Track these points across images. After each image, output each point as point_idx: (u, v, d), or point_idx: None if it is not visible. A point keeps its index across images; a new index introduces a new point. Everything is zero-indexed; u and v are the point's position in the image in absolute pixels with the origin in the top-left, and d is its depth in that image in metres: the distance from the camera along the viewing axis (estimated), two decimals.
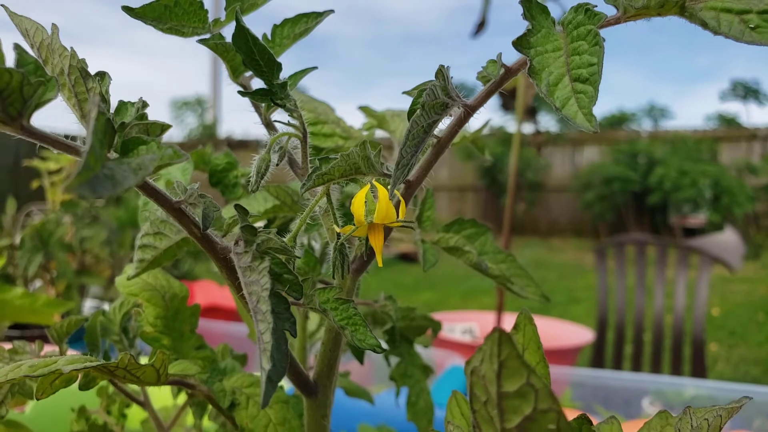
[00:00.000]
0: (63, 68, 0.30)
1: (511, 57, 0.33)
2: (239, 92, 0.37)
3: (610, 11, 0.30)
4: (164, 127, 0.29)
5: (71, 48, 0.30)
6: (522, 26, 0.31)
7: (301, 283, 0.31)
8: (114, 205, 1.98)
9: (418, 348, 0.55)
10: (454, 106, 0.33)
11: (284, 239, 0.31)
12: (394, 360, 0.52)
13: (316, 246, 0.52)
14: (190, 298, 0.49)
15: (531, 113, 8.78)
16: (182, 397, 0.52)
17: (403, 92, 0.35)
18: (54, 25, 0.31)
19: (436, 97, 0.31)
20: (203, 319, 0.50)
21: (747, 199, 7.33)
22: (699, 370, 1.84)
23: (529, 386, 0.20)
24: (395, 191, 0.34)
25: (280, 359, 0.25)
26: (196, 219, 0.31)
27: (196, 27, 0.37)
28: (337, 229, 0.35)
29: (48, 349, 0.50)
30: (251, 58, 0.33)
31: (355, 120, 0.53)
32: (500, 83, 0.33)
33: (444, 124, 0.34)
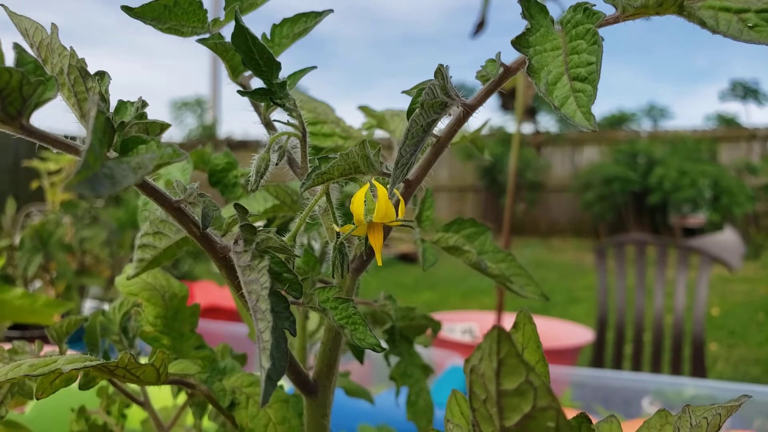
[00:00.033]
0: (62, 68, 0.30)
1: (511, 57, 0.33)
2: (239, 92, 0.37)
3: (609, 10, 0.31)
4: (164, 127, 0.29)
5: (71, 47, 0.30)
6: (521, 26, 0.31)
7: (301, 282, 0.31)
8: (114, 205, 1.98)
9: (418, 348, 0.55)
10: (453, 106, 0.33)
11: (284, 238, 0.31)
12: (393, 360, 0.52)
13: (316, 246, 0.52)
14: (190, 298, 0.49)
15: (530, 113, 8.78)
16: (182, 397, 0.52)
17: (403, 91, 0.35)
18: (53, 25, 0.31)
19: (435, 96, 0.31)
20: (203, 319, 0.50)
21: (747, 199, 7.33)
22: (699, 370, 1.84)
23: (528, 384, 0.20)
24: (395, 190, 0.34)
25: (280, 358, 0.25)
26: (196, 218, 0.31)
27: (196, 27, 0.37)
28: (337, 229, 0.35)
29: (48, 349, 0.50)
30: (250, 58, 0.33)
31: (355, 120, 0.53)
32: (499, 82, 0.33)
33: (443, 123, 0.34)
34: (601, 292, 2.02)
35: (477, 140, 0.51)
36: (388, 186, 0.33)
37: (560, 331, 1.61)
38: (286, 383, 0.57)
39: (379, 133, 0.54)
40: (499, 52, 0.32)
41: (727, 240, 2.73)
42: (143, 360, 0.38)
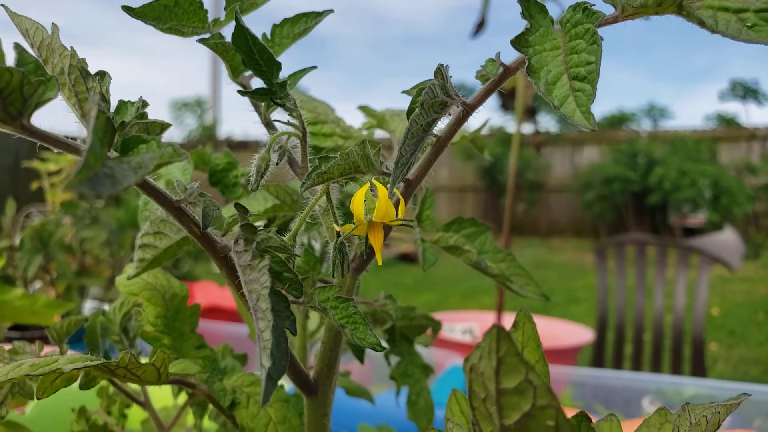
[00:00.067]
0: (63, 68, 0.30)
1: (511, 57, 0.33)
2: (239, 91, 0.37)
3: (608, 10, 0.31)
4: (164, 126, 0.29)
5: (71, 47, 0.30)
6: (521, 26, 0.31)
7: (301, 282, 0.31)
8: (114, 205, 1.98)
9: (418, 348, 0.55)
10: (453, 105, 0.33)
11: (284, 238, 0.31)
12: (394, 359, 0.53)
13: (316, 245, 0.52)
14: (191, 298, 0.49)
15: (530, 113, 8.79)
16: (182, 397, 0.52)
17: (403, 91, 0.35)
18: (54, 25, 0.31)
19: (435, 96, 0.31)
20: (203, 319, 0.50)
21: (746, 199, 7.33)
22: (699, 370, 1.84)
23: (528, 383, 0.20)
24: (395, 190, 0.34)
25: (280, 357, 0.25)
26: (196, 218, 0.31)
27: (196, 27, 0.38)
28: (337, 228, 0.35)
29: (48, 349, 0.50)
30: (251, 58, 0.33)
31: (355, 120, 0.53)
32: (499, 82, 0.33)
33: (443, 123, 0.34)
34: (601, 292, 2.02)
35: (477, 140, 0.52)
36: (388, 185, 0.33)
37: (560, 331, 1.61)
38: (286, 383, 0.57)
39: (379, 133, 0.54)
40: (499, 52, 0.32)
41: (727, 240, 2.73)
42: (144, 360, 0.38)
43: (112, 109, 0.31)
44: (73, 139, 0.28)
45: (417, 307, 0.54)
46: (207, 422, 0.48)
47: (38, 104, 0.26)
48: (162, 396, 0.60)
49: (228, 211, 0.41)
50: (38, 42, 0.30)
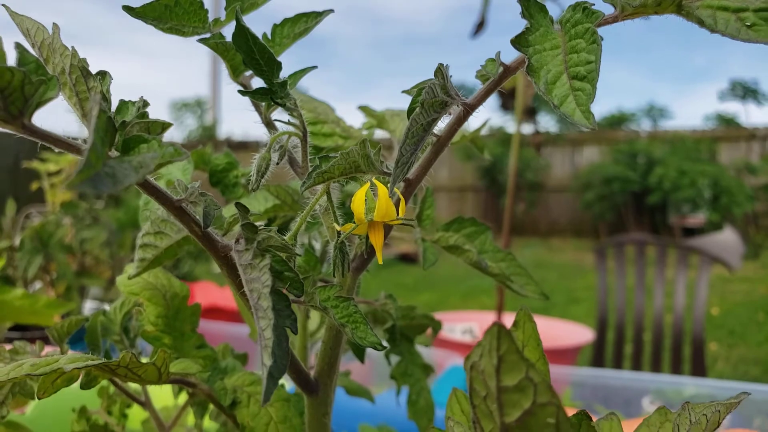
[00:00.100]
0: (64, 67, 0.30)
1: (511, 57, 0.33)
2: (239, 91, 0.37)
3: (608, 9, 0.31)
4: (165, 126, 0.29)
5: (72, 47, 0.30)
6: (521, 26, 0.31)
7: (302, 281, 0.31)
8: (114, 206, 1.98)
9: (418, 348, 0.55)
10: (453, 105, 0.33)
11: (285, 237, 0.31)
12: (394, 359, 0.53)
13: (317, 245, 0.52)
14: (191, 298, 0.49)
15: (530, 113, 8.79)
16: (183, 397, 0.52)
17: (403, 91, 0.35)
18: (55, 25, 0.31)
19: (435, 96, 0.31)
20: (203, 319, 0.50)
21: (746, 199, 7.34)
22: (699, 370, 1.84)
23: (528, 380, 0.20)
24: (395, 189, 0.34)
25: (281, 356, 0.25)
26: (197, 217, 0.31)
27: (197, 26, 0.38)
28: (338, 228, 0.35)
29: (48, 350, 0.50)
30: (251, 58, 0.33)
31: (355, 120, 0.53)
32: (499, 82, 0.33)
33: (443, 122, 0.34)
34: (601, 292, 2.02)
35: (477, 140, 0.52)
36: (388, 185, 0.33)
37: (560, 331, 1.61)
38: (287, 383, 0.57)
39: (380, 133, 0.55)
40: (499, 52, 0.33)
41: (726, 240, 2.74)
42: (144, 360, 0.38)
43: (113, 108, 0.31)
44: (74, 139, 0.28)
45: (417, 307, 0.54)
46: (207, 422, 0.48)
47: (39, 104, 0.26)
48: (162, 396, 0.60)
49: (228, 211, 0.41)
50: (39, 42, 0.31)
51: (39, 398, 0.35)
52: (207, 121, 10.07)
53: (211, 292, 1.62)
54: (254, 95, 0.36)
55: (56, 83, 0.26)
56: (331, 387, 0.40)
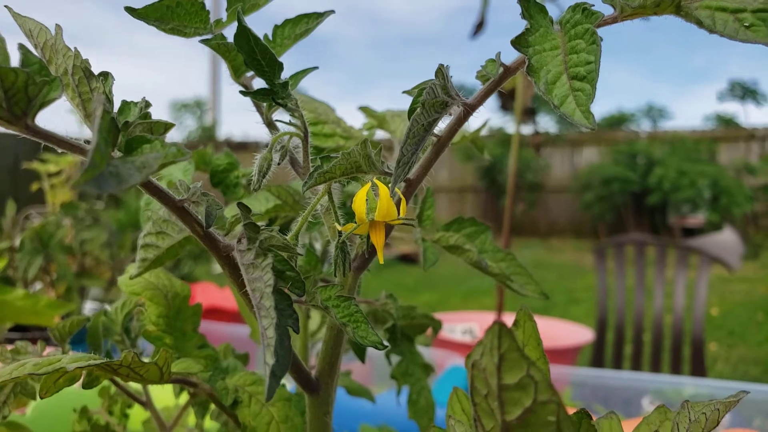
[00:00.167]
0: (67, 68, 0.30)
1: (510, 58, 0.33)
2: (241, 92, 0.37)
3: (607, 10, 0.31)
4: (167, 126, 0.30)
5: (75, 48, 0.30)
6: (520, 27, 0.32)
7: (304, 280, 0.31)
8: (114, 207, 1.98)
9: (418, 348, 0.55)
10: (453, 105, 0.33)
11: (286, 237, 0.32)
12: (395, 359, 0.53)
13: (317, 246, 0.52)
14: (191, 299, 0.49)
15: (530, 114, 8.80)
16: (184, 397, 0.52)
17: (404, 91, 0.35)
18: (57, 26, 0.31)
19: (436, 96, 0.31)
20: (204, 320, 0.50)
21: (745, 199, 7.34)
22: (698, 370, 1.84)
23: (529, 378, 0.20)
24: (396, 189, 0.34)
25: (284, 354, 0.25)
26: (199, 217, 0.31)
27: (198, 27, 0.38)
28: (339, 227, 0.35)
29: (50, 350, 0.50)
30: (253, 58, 0.34)
31: (356, 120, 0.54)
32: (499, 82, 0.33)
33: (444, 123, 0.35)
34: (601, 292, 2.03)
35: (477, 140, 0.52)
36: (389, 185, 0.34)
37: (560, 331, 1.61)
38: (288, 383, 0.57)
39: (380, 134, 0.55)
40: (499, 52, 0.33)
41: (726, 240, 2.74)
42: (146, 360, 0.38)
43: (116, 109, 0.31)
44: (75, 140, 0.28)
45: (418, 307, 0.54)
46: (208, 422, 0.48)
47: (42, 104, 0.26)
48: (163, 396, 0.60)
49: (229, 212, 0.41)
50: (42, 43, 0.31)
51: (41, 398, 0.35)
52: (206, 121, 10.08)
53: (211, 292, 1.62)
54: (256, 96, 0.36)
55: (59, 84, 0.26)
56: (332, 386, 0.40)
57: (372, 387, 0.68)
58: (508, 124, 9.53)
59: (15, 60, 0.27)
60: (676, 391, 0.98)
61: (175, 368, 0.41)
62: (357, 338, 0.32)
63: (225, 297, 1.55)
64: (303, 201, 0.45)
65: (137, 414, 0.57)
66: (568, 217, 8.90)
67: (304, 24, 0.41)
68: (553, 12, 0.34)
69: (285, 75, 0.36)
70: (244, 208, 0.31)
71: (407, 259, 6.30)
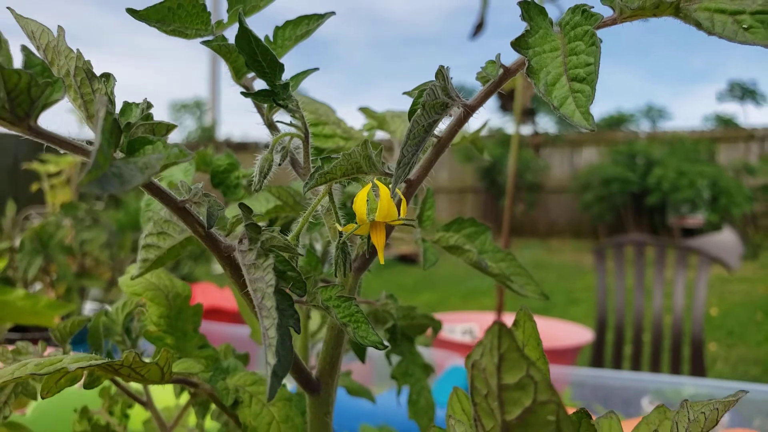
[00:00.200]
0: (69, 70, 0.30)
1: (510, 58, 0.33)
2: (242, 93, 0.37)
3: (606, 12, 0.31)
4: (169, 127, 0.30)
5: (77, 50, 0.31)
6: (520, 28, 0.32)
7: (305, 281, 0.32)
8: (114, 207, 1.98)
9: (419, 348, 0.55)
10: (453, 106, 0.33)
11: (287, 238, 0.32)
12: (395, 359, 0.53)
13: (318, 247, 0.52)
14: (191, 299, 0.49)
15: (529, 114, 8.81)
16: (184, 397, 0.53)
17: (404, 93, 0.35)
18: (60, 28, 0.31)
19: (436, 97, 0.32)
20: (203, 321, 0.50)
21: (745, 200, 7.35)
22: (698, 370, 1.85)
23: (529, 378, 0.20)
24: (396, 190, 0.35)
25: (285, 354, 0.25)
26: (201, 218, 0.31)
27: (200, 29, 0.38)
28: (340, 228, 0.36)
29: (50, 351, 0.50)
30: (254, 60, 0.34)
31: (356, 121, 0.54)
32: (499, 83, 0.33)
33: (444, 124, 0.35)
34: (601, 292, 2.03)
35: (477, 141, 0.52)
36: (390, 186, 0.34)
37: (560, 331, 1.61)
38: (289, 383, 0.58)
39: (380, 135, 0.55)
40: (499, 54, 0.33)
41: (725, 240, 2.74)
42: (146, 360, 0.38)
43: (117, 110, 0.31)
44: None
45: (418, 307, 0.54)
46: (209, 422, 0.48)
47: (45, 106, 0.26)
48: (164, 396, 0.60)
49: (230, 212, 0.42)
50: (44, 44, 0.31)
51: (43, 398, 0.35)
52: (206, 122, 10.08)
53: (211, 293, 1.62)
54: (257, 97, 0.36)
55: (62, 85, 0.26)
56: (332, 386, 0.40)
57: (372, 387, 0.69)
58: (508, 124, 9.54)
59: (18, 61, 0.27)
60: (675, 391, 0.99)
61: (176, 368, 0.41)
62: (357, 338, 0.32)
63: (225, 297, 1.55)
64: (303, 202, 0.45)
65: (138, 414, 0.58)
66: (568, 217, 8.91)
67: (304, 25, 0.41)
68: (553, 13, 0.34)
69: (286, 76, 0.36)
70: (246, 209, 0.31)
71: (407, 259, 6.30)
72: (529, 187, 8.64)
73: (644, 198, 7.87)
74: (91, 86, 0.30)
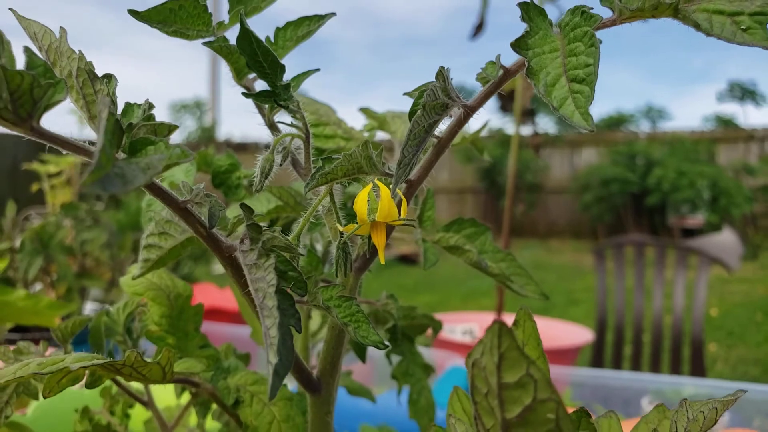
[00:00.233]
0: (71, 71, 0.30)
1: (510, 59, 0.33)
2: (244, 94, 0.37)
3: (606, 13, 0.31)
4: (171, 128, 0.30)
5: (79, 51, 0.31)
6: (520, 29, 0.32)
7: (306, 281, 0.32)
8: (114, 208, 1.98)
9: (419, 348, 0.56)
10: (454, 107, 0.34)
11: (288, 238, 0.32)
12: (395, 358, 0.53)
13: (318, 247, 0.52)
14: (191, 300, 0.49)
15: (529, 115, 8.81)
16: (185, 397, 0.53)
17: (404, 93, 0.36)
18: (62, 29, 0.31)
19: (436, 98, 0.32)
20: (204, 321, 0.50)
21: (745, 200, 7.35)
22: (698, 371, 1.85)
23: (529, 377, 0.21)
24: (397, 190, 0.35)
25: (287, 353, 0.26)
26: (202, 218, 0.32)
27: (201, 30, 0.38)
28: (340, 228, 0.36)
29: (51, 351, 0.50)
30: (255, 60, 0.34)
31: (357, 122, 0.54)
32: (499, 84, 0.33)
33: (444, 124, 0.35)
34: (600, 293, 2.03)
35: (477, 141, 0.52)
36: (390, 186, 0.34)
37: (560, 332, 1.61)
38: (289, 383, 0.58)
39: (381, 135, 0.55)
40: (499, 55, 0.33)
41: (725, 241, 2.75)
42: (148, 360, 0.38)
43: (119, 111, 0.31)
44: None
45: (418, 307, 0.54)
46: (210, 422, 0.48)
47: (48, 106, 0.26)
48: (165, 396, 0.60)
49: (231, 213, 0.42)
50: (46, 45, 0.31)
51: (44, 397, 0.36)
52: (206, 122, 10.08)
53: (211, 293, 1.62)
54: (258, 97, 0.36)
55: (64, 86, 0.26)
56: (333, 386, 0.40)
57: (372, 387, 0.69)
58: (508, 125, 9.54)
59: (20, 63, 0.27)
60: (675, 392, 0.99)
61: (177, 368, 0.41)
62: (358, 338, 0.33)
63: (225, 298, 1.55)
64: (304, 202, 0.45)
65: (139, 414, 0.58)
66: (568, 218, 8.91)
67: (305, 26, 0.41)
68: (554, 13, 0.35)
69: (287, 77, 0.36)
70: (247, 209, 0.31)
71: (407, 259, 6.30)
72: (529, 187, 8.64)
73: (644, 198, 7.87)
74: (93, 87, 0.30)
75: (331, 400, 0.41)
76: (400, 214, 0.35)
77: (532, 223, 8.88)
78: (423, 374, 0.53)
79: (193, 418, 0.59)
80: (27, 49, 0.28)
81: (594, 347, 1.92)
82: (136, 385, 0.50)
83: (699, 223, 7.65)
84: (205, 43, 0.38)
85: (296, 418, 0.40)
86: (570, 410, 0.31)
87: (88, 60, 0.32)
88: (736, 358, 3.37)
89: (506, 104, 8.67)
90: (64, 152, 0.29)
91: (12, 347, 0.46)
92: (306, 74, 0.41)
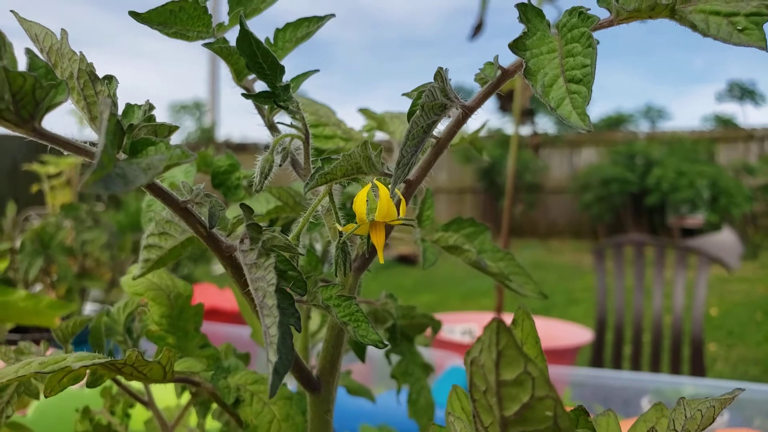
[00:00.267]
0: (72, 72, 0.30)
1: (508, 59, 0.34)
2: (243, 95, 0.38)
3: (603, 14, 0.31)
4: (171, 129, 0.30)
5: (80, 52, 0.31)
6: (518, 29, 0.32)
7: (305, 280, 0.32)
8: (114, 208, 1.99)
9: (418, 348, 0.56)
10: (452, 107, 0.34)
11: (288, 237, 0.32)
12: (395, 358, 0.53)
13: (318, 247, 0.52)
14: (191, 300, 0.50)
15: (528, 115, 8.81)
16: (186, 397, 0.53)
17: (403, 94, 0.36)
18: (63, 30, 0.32)
19: (435, 99, 0.32)
20: (204, 321, 0.50)
21: (744, 200, 7.36)
22: (698, 370, 1.85)
23: (527, 374, 0.21)
24: (396, 190, 0.35)
25: (286, 352, 0.26)
26: (202, 218, 0.32)
27: (201, 31, 0.38)
28: (340, 228, 0.36)
29: (51, 351, 0.50)
30: (255, 62, 0.34)
31: (356, 122, 0.54)
32: (497, 85, 0.34)
33: (443, 125, 0.35)
34: (600, 293, 2.03)
35: (476, 141, 0.52)
36: (389, 186, 0.34)
37: (559, 331, 1.61)
38: (289, 383, 0.58)
39: (380, 136, 0.55)
40: (497, 55, 0.33)
41: (725, 240, 2.75)
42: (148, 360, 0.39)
43: (119, 112, 0.32)
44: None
45: (417, 307, 0.55)
46: (210, 422, 0.48)
47: (49, 108, 0.27)
48: (165, 396, 0.61)
49: (231, 213, 0.42)
50: (48, 47, 0.31)
51: (46, 396, 0.36)
52: (205, 123, 10.08)
53: (211, 294, 1.62)
54: (257, 98, 0.36)
55: (65, 87, 0.27)
56: (333, 385, 0.41)
57: (372, 387, 0.69)
58: (507, 125, 9.54)
59: (22, 64, 0.27)
60: (675, 391, 0.99)
61: (178, 367, 0.41)
62: (357, 337, 0.33)
63: (224, 298, 1.55)
64: (304, 202, 0.45)
65: (139, 414, 0.58)
66: (567, 217, 8.91)
67: (304, 27, 0.42)
68: (552, 14, 0.35)
69: (286, 78, 0.37)
70: (247, 209, 0.31)
71: (406, 260, 6.30)
72: (528, 187, 8.64)
73: (644, 198, 7.88)
74: (94, 88, 0.30)
75: (330, 399, 0.41)
76: (399, 214, 0.35)
77: (531, 223, 8.89)
78: (422, 374, 0.54)
79: (193, 418, 0.59)
80: (29, 51, 0.28)
81: (594, 347, 1.92)
82: (136, 385, 0.50)
83: (699, 222, 7.66)
84: (205, 45, 0.39)
85: (296, 417, 0.40)
86: (569, 410, 0.31)
87: (89, 61, 0.32)
88: (736, 358, 3.38)
89: (505, 104, 8.67)
90: (64, 153, 0.29)
91: (13, 347, 0.46)
92: (305, 75, 0.41)
